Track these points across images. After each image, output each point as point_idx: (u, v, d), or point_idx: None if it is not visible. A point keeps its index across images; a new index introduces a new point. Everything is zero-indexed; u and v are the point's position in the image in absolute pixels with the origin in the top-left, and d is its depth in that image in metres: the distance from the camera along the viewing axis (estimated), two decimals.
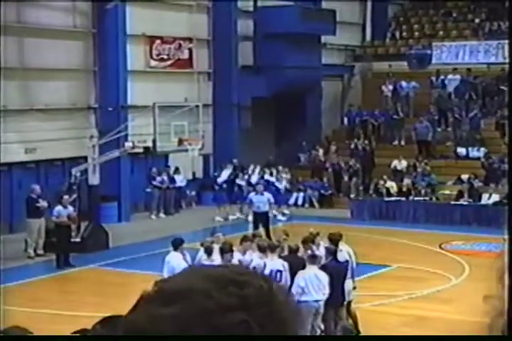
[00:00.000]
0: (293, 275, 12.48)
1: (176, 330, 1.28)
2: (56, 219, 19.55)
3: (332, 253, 12.80)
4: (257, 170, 26.57)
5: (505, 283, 1.59)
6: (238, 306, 1.29)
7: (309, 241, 13.71)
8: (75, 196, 20.95)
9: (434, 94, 31.62)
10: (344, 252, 13.21)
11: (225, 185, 25.87)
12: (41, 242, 20.50)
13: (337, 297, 12.54)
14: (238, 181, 26.09)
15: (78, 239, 20.62)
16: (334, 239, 13.10)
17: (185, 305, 1.30)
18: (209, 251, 13.15)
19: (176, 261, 13.15)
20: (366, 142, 30.64)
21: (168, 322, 1.30)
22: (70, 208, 19.85)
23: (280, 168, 27.58)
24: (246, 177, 26.33)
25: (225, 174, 26.04)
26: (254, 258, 13.15)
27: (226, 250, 12.96)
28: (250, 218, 23.98)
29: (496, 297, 1.59)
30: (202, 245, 13.74)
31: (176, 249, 13.61)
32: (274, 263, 12.80)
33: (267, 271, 12.59)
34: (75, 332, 2.29)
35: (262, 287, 1.33)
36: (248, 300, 1.30)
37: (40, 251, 20.47)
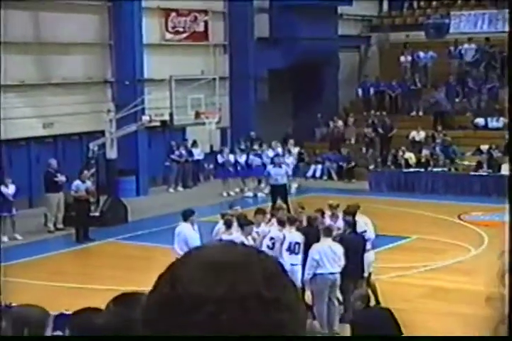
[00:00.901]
0: (308, 247, 12.49)
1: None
2: (75, 194, 19.63)
3: (351, 225, 12.79)
4: (264, 146, 26.42)
5: (506, 283, 1.56)
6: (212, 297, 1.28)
7: (322, 211, 13.82)
8: (93, 170, 21.00)
9: (453, 64, 31.34)
10: (361, 222, 13.21)
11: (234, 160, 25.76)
12: (60, 216, 20.62)
13: (356, 269, 12.53)
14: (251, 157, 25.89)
15: (97, 213, 20.71)
16: (350, 211, 13.10)
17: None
18: (228, 224, 13.18)
19: (187, 232, 13.24)
20: (384, 113, 30.48)
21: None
22: (89, 182, 19.91)
23: (291, 141, 27.27)
24: (255, 152, 26.17)
25: (225, 153, 25.94)
26: (272, 230, 13.17)
27: (245, 223, 13.01)
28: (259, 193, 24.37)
29: (498, 298, 1.56)
30: (222, 217, 13.75)
31: (185, 219, 13.63)
32: (293, 235, 12.83)
33: (286, 243, 12.68)
34: (78, 311, 2.27)
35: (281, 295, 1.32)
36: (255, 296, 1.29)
37: (60, 225, 20.60)
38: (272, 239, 12.90)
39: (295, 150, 27.15)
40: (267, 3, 30.17)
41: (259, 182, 25.28)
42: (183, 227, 13.57)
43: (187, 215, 13.68)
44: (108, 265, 17.13)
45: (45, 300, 9.19)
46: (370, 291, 13.16)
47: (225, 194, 24.92)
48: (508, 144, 25.14)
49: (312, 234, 12.74)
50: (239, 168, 25.61)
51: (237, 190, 25.47)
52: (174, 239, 13.42)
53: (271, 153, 25.64)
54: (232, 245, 1.39)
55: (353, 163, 28.02)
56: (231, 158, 25.65)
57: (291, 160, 25.73)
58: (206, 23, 28.61)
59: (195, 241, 12.96)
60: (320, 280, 12.08)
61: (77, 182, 19.65)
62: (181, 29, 27.87)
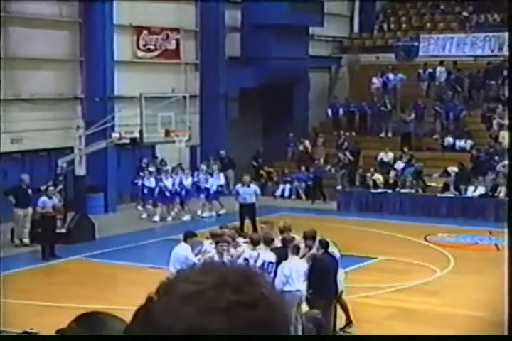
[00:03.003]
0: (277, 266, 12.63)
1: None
2: (41, 210, 19.51)
3: (324, 246, 12.88)
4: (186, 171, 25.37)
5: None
6: (221, 310, 1.30)
7: (286, 230, 14.05)
8: (61, 187, 20.91)
9: (421, 87, 31.69)
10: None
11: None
12: (26, 231, 20.50)
13: (329, 289, 12.62)
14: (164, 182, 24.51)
15: (64, 230, 20.57)
16: (308, 235, 13.27)
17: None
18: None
19: (186, 254, 13.22)
20: (353, 133, 30.72)
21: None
22: (55, 199, 19.80)
23: (215, 166, 26.22)
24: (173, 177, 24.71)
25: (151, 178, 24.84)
26: (246, 249, 13.30)
27: (222, 241, 13.31)
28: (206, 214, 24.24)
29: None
30: (212, 237, 13.92)
31: (185, 241, 13.64)
32: (267, 254, 12.94)
33: (259, 262, 12.77)
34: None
35: (260, 294, 1.34)
36: (235, 305, 1.31)
37: (26, 240, 20.45)
38: (245, 259, 13.01)
39: (220, 175, 25.79)
40: (239, 22, 30.34)
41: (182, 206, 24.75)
42: (181, 248, 13.54)
43: (187, 237, 13.69)
44: (74, 282, 17.00)
45: (10, 317, 9.13)
46: (341, 309, 13.26)
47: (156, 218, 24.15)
48: (509, 153, 25.32)
49: (284, 254, 12.85)
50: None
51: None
52: (170, 259, 13.32)
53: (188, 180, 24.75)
54: (213, 268, 1.40)
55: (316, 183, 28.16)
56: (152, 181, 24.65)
57: (213, 184, 24.91)
58: (178, 41, 28.68)
59: (192, 262, 12.90)
60: (288, 297, 12.12)
61: (43, 199, 19.53)
62: (153, 47, 27.92)
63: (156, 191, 24.28)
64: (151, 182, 24.61)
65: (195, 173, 25.49)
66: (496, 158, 26.06)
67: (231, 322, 1.29)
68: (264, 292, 1.35)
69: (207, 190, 24.82)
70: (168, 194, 24.18)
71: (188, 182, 24.62)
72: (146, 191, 24.77)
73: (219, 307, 1.30)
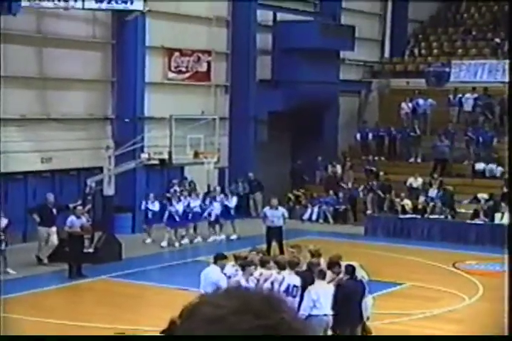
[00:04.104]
0: (303, 291, 12.54)
1: None
2: (69, 229, 19.57)
3: (350, 272, 12.79)
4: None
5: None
6: (242, 335, 1.29)
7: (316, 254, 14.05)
8: (89, 206, 21.00)
9: (452, 112, 31.54)
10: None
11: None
12: (48, 251, 20.56)
13: (353, 315, 12.51)
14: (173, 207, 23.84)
15: (91, 250, 20.62)
16: (333, 263, 13.18)
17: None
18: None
19: (216, 276, 13.20)
20: (382, 159, 30.61)
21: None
22: (83, 218, 19.87)
23: (218, 188, 25.99)
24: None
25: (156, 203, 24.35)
26: (273, 273, 13.29)
27: (246, 264, 13.36)
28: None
29: None
30: (235, 259, 13.94)
31: (215, 262, 13.67)
32: (292, 278, 12.87)
33: (284, 285, 12.71)
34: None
35: (281, 319, 1.33)
36: (256, 330, 1.28)
37: (45, 260, 20.49)
38: (271, 282, 12.98)
39: (233, 197, 25.53)
40: (270, 45, 30.46)
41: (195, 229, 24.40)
42: (211, 270, 13.55)
43: (218, 259, 13.72)
44: (99, 302, 17.01)
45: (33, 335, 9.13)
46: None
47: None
48: (509, 192, 25.17)
49: (310, 278, 12.77)
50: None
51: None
52: (200, 282, 13.30)
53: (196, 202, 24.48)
54: (236, 292, 1.40)
55: (344, 207, 28.08)
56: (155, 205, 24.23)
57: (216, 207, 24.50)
58: (209, 63, 28.83)
59: (224, 285, 12.85)
60: (315, 321, 12.02)
61: (71, 218, 19.60)
62: (184, 69, 28.08)
63: (166, 215, 23.71)
64: (173, 205, 24.00)
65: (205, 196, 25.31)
66: None
67: None
68: (285, 317, 1.33)
69: (209, 213, 24.44)
70: (177, 218, 23.75)
71: (195, 204, 24.34)
72: (151, 215, 24.24)
73: (241, 332, 1.28)
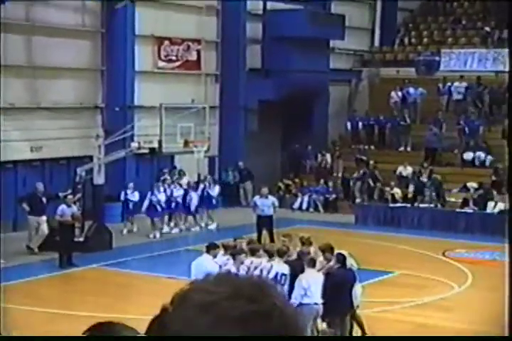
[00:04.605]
0: (293, 279, 12.57)
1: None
2: (60, 218, 19.55)
3: (340, 260, 12.82)
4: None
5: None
6: (235, 320, 1.29)
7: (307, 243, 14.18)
8: (79, 195, 20.98)
9: (441, 101, 31.59)
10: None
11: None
12: (39, 240, 20.53)
13: (343, 304, 12.55)
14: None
15: (81, 239, 20.62)
16: (326, 249, 13.23)
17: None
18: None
19: (209, 265, 13.23)
20: (372, 147, 30.65)
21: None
22: (74, 207, 19.85)
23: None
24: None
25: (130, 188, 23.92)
26: (262, 261, 13.34)
27: (237, 252, 13.46)
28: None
29: None
30: (224, 248, 14.01)
31: (208, 252, 13.70)
32: (280, 266, 12.91)
33: (272, 273, 12.74)
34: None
35: (274, 304, 1.34)
36: (250, 315, 1.30)
37: (36, 250, 20.47)
38: (260, 270, 13.02)
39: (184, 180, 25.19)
40: (260, 34, 30.40)
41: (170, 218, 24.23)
42: (204, 259, 13.59)
43: (210, 248, 13.76)
44: (90, 291, 17.00)
45: (26, 325, 9.14)
46: (356, 324, 13.19)
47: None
48: (509, 183, 25.23)
49: (300, 267, 12.80)
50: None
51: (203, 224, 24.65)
52: (191, 271, 13.34)
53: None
54: (227, 279, 1.40)
55: (335, 196, 28.13)
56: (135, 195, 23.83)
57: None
58: (199, 52, 28.77)
59: None
60: (306, 310, 12.06)
61: (62, 207, 19.58)
62: (174, 57, 28.01)
63: (145, 205, 23.38)
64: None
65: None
66: None
67: (246, 332, 1.30)
68: (277, 303, 1.35)
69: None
70: (158, 207, 23.48)
71: (178, 194, 24.09)
72: (131, 205, 23.88)
73: (234, 317, 1.30)
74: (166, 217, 24.16)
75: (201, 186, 25.00)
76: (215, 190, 25.05)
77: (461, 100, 31.16)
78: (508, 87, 27.33)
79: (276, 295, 1.37)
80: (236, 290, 1.34)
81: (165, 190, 23.86)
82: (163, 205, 23.58)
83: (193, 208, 24.40)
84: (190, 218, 24.62)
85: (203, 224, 24.63)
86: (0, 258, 19.17)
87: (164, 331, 1.34)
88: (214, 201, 24.89)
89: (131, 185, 23.99)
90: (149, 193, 23.56)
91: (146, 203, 23.43)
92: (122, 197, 23.84)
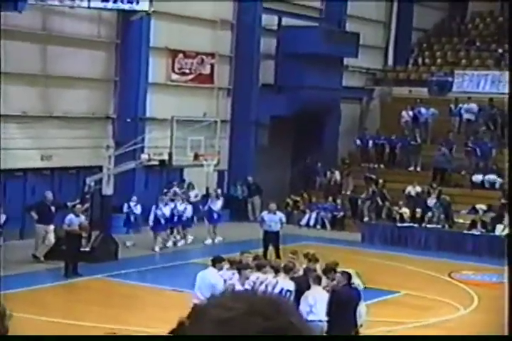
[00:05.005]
0: (299, 296, 12.54)
1: None
2: (67, 228, 19.56)
3: (346, 278, 12.78)
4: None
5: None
6: (252, 337, 1.31)
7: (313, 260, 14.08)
8: (87, 205, 21.00)
9: (453, 122, 31.56)
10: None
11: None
12: (45, 249, 20.53)
13: (347, 322, 12.50)
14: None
15: (88, 249, 20.61)
16: (328, 269, 13.20)
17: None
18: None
19: (214, 278, 13.19)
20: (381, 166, 30.63)
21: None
22: (82, 217, 19.86)
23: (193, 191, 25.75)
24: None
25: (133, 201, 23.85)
26: (268, 277, 13.31)
27: (243, 267, 13.40)
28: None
29: None
30: (230, 263, 13.94)
31: (214, 265, 13.65)
32: (286, 282, 12.89)
33: (277, 289, 12.72)
34: None
35: (289, 323, 1.36)
36: (266, 332, 1.32)
37: (42, 258, 20.46)
38: (266, 285, 13.00)
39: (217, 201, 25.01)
40: (274, 49, 30.48)
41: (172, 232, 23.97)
42: (208, 272, 13.53)
43: (216, 261, 13.70)
44: (94, 301, 16.99)
45: (25, 333, 9.11)
46: None
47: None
48: (509, 204, 25.15)
49: (305, 283, 12.77)
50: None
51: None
52: (196, 284, 13.27)
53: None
54: (244, 295, 1.42)
55: (342, 214, 28.08)
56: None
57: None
58: (212, 66, 28.85)
59: (221, 287, 12.79)
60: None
61: (70, 216, 19.59)
62: (187, 70, 28.09)
63: (151, 218, 23.14)
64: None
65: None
66: None
67: None
68: (293, 321, 1.34)
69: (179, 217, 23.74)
70: (163, 221, 23.21)
71: (181, 208, 23.84)
72: (133, 218, 23.79)
73: (251, 333, 1.30)
74: (170, 231, 24.04)
75: (207, 200, 24.95)
76: (218, 205, 24.83)
77: (473, 122, 31.12)
78: (509, 104, 27.29)
79: (292, 313, 1.38)
80: (253, 307, 1.35)
81: (168, 204, 23.54)
82: (168, 219, 23.39)
83: (195, 221, 24.32)
84: (195, 231, 24.56)
85: (209, 239, 24.53)
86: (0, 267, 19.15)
87: None
88: (216, 215, 24.59)
89: (134, 198, 23.83)
90: (154, 207, 23.38)
91: (151, 217, 23.20)
92: (125, 209, 23.71)
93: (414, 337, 12.81)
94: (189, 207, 24.11)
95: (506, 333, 10.59)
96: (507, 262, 15.73)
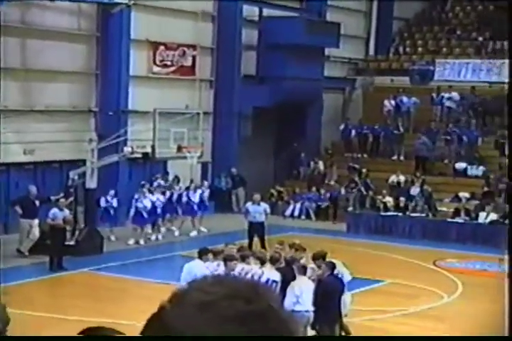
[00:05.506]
0: (284, 286, 12.56)
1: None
2: (51, 222, 19.51)
3: (330, 268, 12.82)
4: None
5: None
6: (233, 320, 1.32)
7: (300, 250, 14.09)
8: (71, 199, 20.94)
9: (435, 111, 31.68)
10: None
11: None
12: (29, 244, 20.48)
13: (333, 312, 12.54)
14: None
15: (72, 242, 20.58)
16: (317, 257, 13.23)
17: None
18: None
19: (200, 270, 13.19)
20: (365, 156, 30.72)
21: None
22: (66, 211, 19.82)
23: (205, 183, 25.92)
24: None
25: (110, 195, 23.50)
26: (253, 267, 13.32)
27: (229, 258, 13.30)
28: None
29: None
30: (213, 254, 13.93)
31: (200, 257, 13.71)
32: (271, 273, 12.92)
33: (263, 279, 12.74)
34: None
35: (269, 306, 1.36)
36: (247, 316, 1.33)
37: (26, 253, 20.42)
38: (251, 276, 13.02)
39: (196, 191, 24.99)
40: (256, 41, 30.45)
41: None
42: (195, 264, 13.58)
43: (202, 253, 13.76)
44: (80, 295, 16.97)
45: (14, 328, 9.10)
46: (343, 333, 13.18)
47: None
48: (509, 195, 25.32)
49: (290, 274, 12.81)
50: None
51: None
52: (182, 275, 13.31)
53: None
54: (224, 279, 1.43)
55: (327, 204, 28.14)
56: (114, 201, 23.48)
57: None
58: (194, 57, 28.79)
59: None
60: (297, 317, 12.05)
61: (54, 210, 19.54)
62: (169, 63, 28.02)
63: (132, 212, 23.03)
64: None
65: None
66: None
67: (243, 331, 1.32)
68: (272, 305, 1.36)
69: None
70: (145, 214, 23.02)
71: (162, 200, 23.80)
72: (113, 211, 23.59)
73: (231, 316, 1.32)
74: (157, 222, 24.06)
75: (185, 192, 24.87)
76: (196, 197, 24.71)
77: (455, 110, 31.26)
78: (508, 95, 27.44)
79: (271, 297, 1.39)
80: (233, 290, 1.36)
81: (147, 197, 23.29)
82: (149, 211, 23.19)
83: (180, 213, 24.30)
84: (179, 223, 24.57)
85: (194, 231, 24.53)
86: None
87: (162, 328, 1.36)
88: (195, 207, 24.52)
89: (111, 192, 23.48)
90: (134, 200, 23.14)
91: (132, 211, 23.10)
92: (103, 204, 23.35)
93: (414, 337, 12.85)
94: (161, 197, 23.80)
95: (506, 333, 10.66)
96: (507, 261, 15.85)
